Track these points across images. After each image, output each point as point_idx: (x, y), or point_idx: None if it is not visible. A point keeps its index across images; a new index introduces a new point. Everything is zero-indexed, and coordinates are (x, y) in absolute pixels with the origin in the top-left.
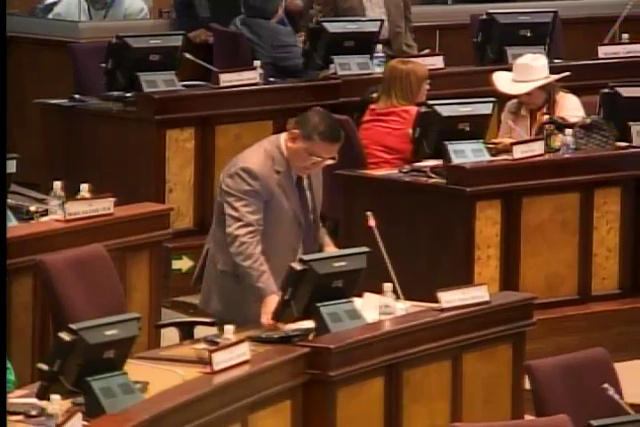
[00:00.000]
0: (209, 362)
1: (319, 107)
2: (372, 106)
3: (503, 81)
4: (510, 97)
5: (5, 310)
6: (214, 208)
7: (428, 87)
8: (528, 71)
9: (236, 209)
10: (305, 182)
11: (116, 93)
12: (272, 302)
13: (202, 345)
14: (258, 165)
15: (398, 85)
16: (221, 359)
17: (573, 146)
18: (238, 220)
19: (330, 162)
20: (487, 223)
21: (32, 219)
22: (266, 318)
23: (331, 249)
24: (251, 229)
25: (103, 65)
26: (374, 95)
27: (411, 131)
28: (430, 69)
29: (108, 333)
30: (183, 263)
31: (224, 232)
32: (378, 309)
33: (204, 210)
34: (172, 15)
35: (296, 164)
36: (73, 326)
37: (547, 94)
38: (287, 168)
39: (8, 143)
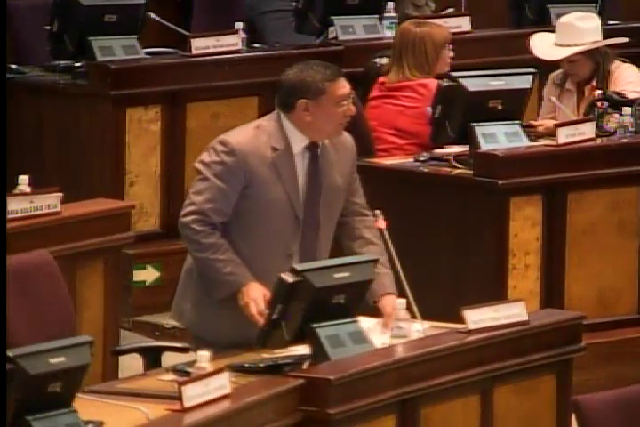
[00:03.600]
0: (179, 397)
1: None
2: (382, 79)
3: (541, 44)
4: (554, 66)
5: (5, 308)
6: None
7: (450, 55)
8: (572, 33)
9: (196, 188)
10: (323, 162)
11: (62, 63)
12: (253, 289)
13: (170, 376)
14: (241, 138)
15: (411, 53)
16: (194, 394)
17: (632, 128)
18: (192, 204)
19: (353, 107)
20: (525, 225)
21: None
22: (253, 308)
23: (389, 302)
24: (200, 217)
25: (47, 27)
26: (378, 60)
27: (429, 109)
28: (454, 33)
29: (54, 361)
30: (147, 274)
31: None
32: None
33: (172, 208)
34: None
35: (330, 127)
36: (10, 353)
37: (594, 64)
38: (287, 146)
39: None
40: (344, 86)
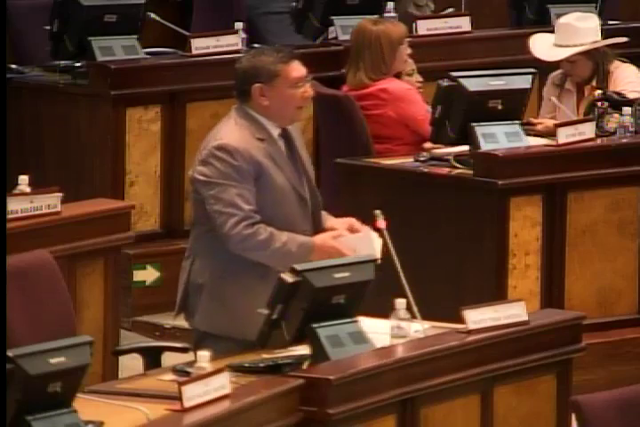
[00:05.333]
0: (179, 397)
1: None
2: (344, 87)
3: (541, 45)
4: (553, 66)
5: (5, 308)
6: (192, 212)
7: (408, 52)
8: (571, 33)
9: (223, 202)
10: (296, 146)
11: (63, 63)
12: (320, 240)
13: (170, 376)
14: (234, 137)
15: (367, 53)
16: (194, 394)
17: (632, 128)
18: (231, 215)
19: (311, 89)
20: (525, 224)
21: None
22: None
23: (331, 223)
24: (248, 221)
25: (47, 28)
26: None
27: (429, 109)
28: (454, 33)
29: (54, 361)
30: (147, 274)
31: (208, 235)
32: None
33: (172, 208)
34: None
35: (289, 111)
36: (10, 353)
37: (594, 64)
38: (269, 134)
39: None
40: (298, 69)
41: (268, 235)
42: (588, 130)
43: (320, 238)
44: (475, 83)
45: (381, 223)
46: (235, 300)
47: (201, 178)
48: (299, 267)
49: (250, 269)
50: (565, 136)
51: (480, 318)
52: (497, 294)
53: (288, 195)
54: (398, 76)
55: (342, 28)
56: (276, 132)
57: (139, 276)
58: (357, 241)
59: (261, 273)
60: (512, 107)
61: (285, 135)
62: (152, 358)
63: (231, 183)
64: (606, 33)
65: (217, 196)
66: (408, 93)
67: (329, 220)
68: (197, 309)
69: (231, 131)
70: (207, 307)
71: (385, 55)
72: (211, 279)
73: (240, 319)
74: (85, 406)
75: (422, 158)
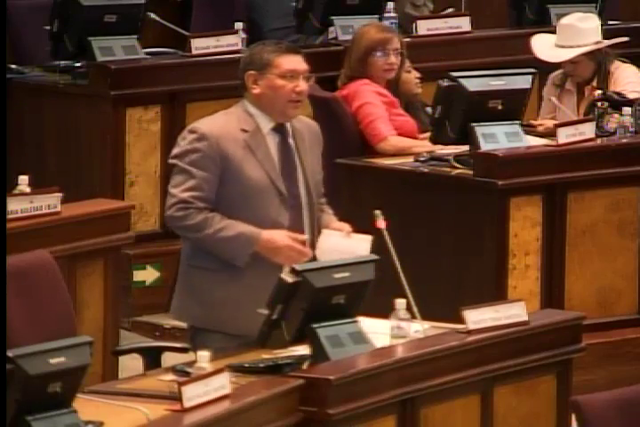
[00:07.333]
0: (179, 397)
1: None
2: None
3: (543, 46)
4: (553, 66)
5: (5, 308)
6: None
7: (390, 61)
8: (574, 34)
9: (174, 182)
10: (292, 143)
11: (62, 63)
12: (272, 233)
13: (170, 376)
14: (210, 124)
15: (347, 57)
16: (194, 394)
17: (632, 128)
18: (172, 197)
19: (305, 85)
20: (525, 225)
21: None
22: (295, 244)
23: (335, 227)
24: (182, 205)
25: (47, 28)
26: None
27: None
28: (454, 33)
29: (54, 361)
30: (147, 274)
31: None
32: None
33: None
34: None
35: (279, 103)
36: (9, 353)
37: (596, 65)
38: (256, 127)
39: None
40: (293, 61)
41: (201, 220)
42: (588, 130)
43: (270, 233)
44: (475, 83)
45: (381, 223)
46: (202, 290)
47: (170, 160)
48: (299, 267)
49: (216, 260)
50: (565, 136)
51: (480, 318)
52: (497, 294)
53: (263, 189)
54: (397, 78)
55: (342, 28)
56: (267, 125)
57: (139, 276)
58: (342, 246)
59: (229, 263)
60: (512, 107)
61: (281, 131)
62: (152, 358)
63: (187, 167)
64: (606, 33)
65: (173, 175)
66: (360, 91)
67: (332, 222)
68: (175, 300)
69: (215, 118)
70: (180, 297)
71: (352, 59)
72: (183, 270)
73: (212, 311)
74: (85, 406)
75: (422, 158)
